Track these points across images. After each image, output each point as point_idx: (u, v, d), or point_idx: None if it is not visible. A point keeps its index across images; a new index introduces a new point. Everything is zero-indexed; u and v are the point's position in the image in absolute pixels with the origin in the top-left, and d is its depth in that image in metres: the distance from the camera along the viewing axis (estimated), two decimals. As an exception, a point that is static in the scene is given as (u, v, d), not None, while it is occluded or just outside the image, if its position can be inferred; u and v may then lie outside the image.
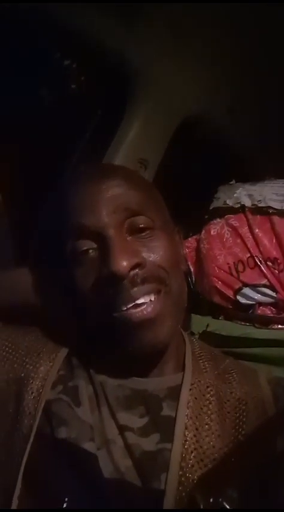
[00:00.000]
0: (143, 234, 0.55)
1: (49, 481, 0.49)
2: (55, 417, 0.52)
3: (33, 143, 1.21)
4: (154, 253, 0.54)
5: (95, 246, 0.54)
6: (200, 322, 0.84)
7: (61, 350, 0.60)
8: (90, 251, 0.54)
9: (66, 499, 0.47)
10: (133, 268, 0.52)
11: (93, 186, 0.56)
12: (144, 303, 0.52)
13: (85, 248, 0.54)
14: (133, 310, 0.52)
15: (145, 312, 0.52)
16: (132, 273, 0.52)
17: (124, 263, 0.51)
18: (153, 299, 0.53)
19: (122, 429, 0.52)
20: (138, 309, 0.52)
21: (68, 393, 0.55)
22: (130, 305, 0.52)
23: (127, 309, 0.52)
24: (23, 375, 0.57)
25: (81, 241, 0.54)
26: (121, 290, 0.52)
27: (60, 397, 0.54)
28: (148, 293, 0.53)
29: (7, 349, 0.60)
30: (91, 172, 0.60)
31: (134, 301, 0.52)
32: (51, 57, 1.23)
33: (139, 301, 0.52)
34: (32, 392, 0.54)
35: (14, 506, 0.48)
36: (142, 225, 0.55)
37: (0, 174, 1.02)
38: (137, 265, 0.52)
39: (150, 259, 0.54)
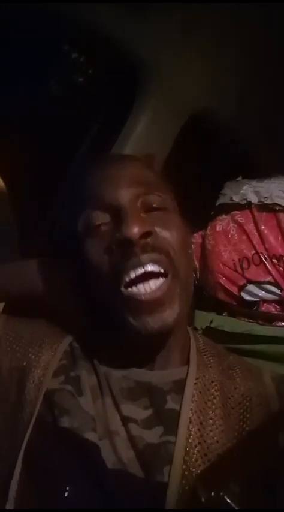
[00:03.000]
0: (155, 212, 0.56)
1: (50, 469, 0.50)
2: (57, 406, 0.52)
3: (40, 135, 1.21)
4: (165, 229, 0.55)
5: (109, 219, 0.55)
6: (204, 318, 0.84)
7: (64, 340, 0.60)
8: (104, 225, 0.55)
9: (67, 489, 0.47)
10: (144, 236, 0.53)
11: (110, 164, 0.59)
12: (152, 271, 0.52)
13: (99, 222, 0.55)
14: (142, 290, 0.52)
15: (153, 292, 0.52)
16: (142, 240, 0.53)
17: (136, 229, 0.52)
18: (161, 271, 0.53)
19: (126, 420, 0.52)
20: (147, 289, 0.52)
21: (70, 383, 0.55)
22: (140, 271, 0.52)
23: (137, 278, 0.52)
24: (25, 363, 0.57)
25: (96, 213, 0.56)
26: (131, 255, 0.52)
27: (63, 387, 0.55)
28: (156, 262, 0.53)
29: (10, 338, 0.60)
30: (108, 155, 0.62)
31: (143, 266, 0.52)
32: (59, 49, 1.23)
33: (147, 268, 0.52)
34: (33, 381, 0.55)
35: (12, 491, 0.48)
36: (157, 204, 0.57)
37: (7, 166, 1.03)
38: (148, 234, 0.53)
39: (161, 234, 0.55)
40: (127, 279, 0.52)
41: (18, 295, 0.64)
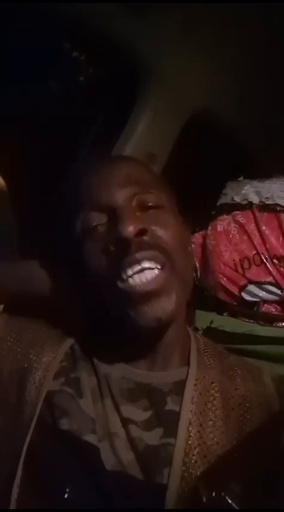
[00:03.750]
0: (151, 211, 0.57)
1: (50, 471, 0.50)
2: (57, 408, 0.52)
3: (40, 135, 1.21)
4: (160, 227, 0.55)
5: (105, 220, 0.56)
6: (204, 318, 0.84)
7: (65, 342, 0.60)
8: (100, 226, 0.56)
9: (67, 490, 0.47)
10: (139, 233, 0.53)
11: (106, 166, 0.60)
12: (149, 268, 0.53)
13: (96, 223, 0.56)
14: (138, 281, 0.52)
15: (149, 283, 0.52)
16: (138, 238, 0.53)
17: (132, 227, 0.52)
18: (158, 267, 0.53)
19: (125, 422, 0.52)
20: (143, 279, 0.52)
21: (70, 385, 0.55)
22: (136, 268, 0.52)
23: (133, 274, 0.52)
24: (26, 365, 0.57)
25: (92, 214, 0.56)
26: (127, 253, 0.53)
27: (63, 389, 0.55)
28: (152, 258, 0.53)
29: (12, 339, 0.60)
30: (104, 156, 0.63)
31: (139, 264, 0.53)
32: (59, 48, 1.22)
33: (144, 265, 0.53)
34: (34, 383, 0.55)
35: (14, 494, 0.48)
36: (152, 203, 0.57)
37: (7, 165, 1.02)
38: (143, 232, 0.54)
39: (157, 232, 0.55)
40: (124, 276, 0.53)
41: (18, 296, 0.64)
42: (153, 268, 0.53)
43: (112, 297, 0.54)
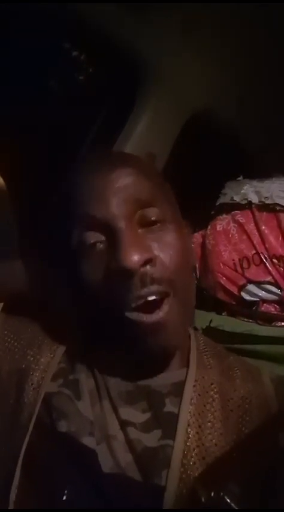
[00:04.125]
0: (154, 227, 0.53)
1: (48, 473, 0.50)
2: (55, 410, 0.52)
3: (40, 134, 1.21)
4: (165, 248, 0.52)
5: (103, 238, 0.52)
6: (204, 318, 0.84)
7: (63, 343, 0.60)
8: (98, 244, 0.52)
9: (66, 491, 0.47)
10: (144, 264, 0.50)
11: (102, 175, 0.53)
12: (155, 300, 0.51)
13: (93, 241, 0.52)
14: (144, 314, 0.50)
15: (156, 315, 0.50)
16: (142, 269, 0.50)
17: (135, 258, 0.48)
18: (163, 298, 0.51)
19: (124, 424, 0.52)
20: (149, 312, 0.50)
21: (69, 386, 0.55)
22: (141, 302, 0.50)
23: (138, 306, 0.50)
24: (23, 366, 0.57)
25: (89, 233, 0.52)
26: (130, 288, 0.50)
27: (61, 390, 0.54)
28: (157, 293, 0.51)
29: (9, 339, 0.60)
30: (100, 161, 0.57)
31: (144, 299, 0.50)
32: (59, 48, 1.22)
33: (150, 299, 0.50)
34: (32, 384, 0.55)
35: (12, 496, 0.48)
36: (154, 218, 0.53)
37: (7, 165, 1.02)
38: (148, 261, 0.50)
39: (161, 256, 0.52)
40: (128, 308, 0.50)
41: (16, 296, 0.64)
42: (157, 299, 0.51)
43: (113, 323, 0.52)
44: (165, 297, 0.51)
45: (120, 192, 0.52)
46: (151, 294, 0.50)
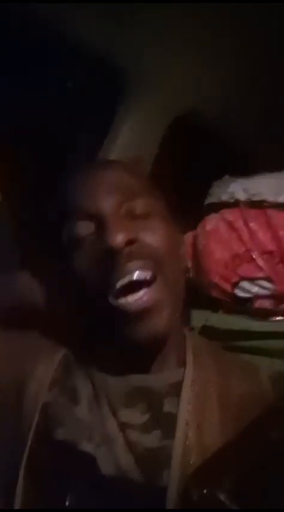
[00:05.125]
0: (141, 218, 0.55)
1: (50, 482, 0.50)
2: (52, 419, 0.53)
3: (27, 139, 1.21)
4: (150, 234, 0.54)
5: (93, 230, 0.54)
6: (199, 317, 0.84)
7: (58, 351, 0.60)
8: (88, 236, 0.54)
9: (68, 497, 0.48)
10: (128, 243, 0.51)
11: (92, 173, 0.58)
12: (140, 280, 0.52)
13: (83, 233, 0.54)
14: (130, 299, 0.51)
15: (142, 301, 0.51)
16: (127, 248, 0.51)
17: (120, 236, 0.51)
18: (149, 278, 0.52)
19: (123, 426, 0.52)
20: (135, 297, 0.51)
21: (65, 393, 0.55)
22: (126, 280, 0.51)
23: (124, 287, 0.51)
24: (21, 377, 0.57)
25: (78, 224, 0.55)
26: (116, 264, 0.51)
27: (57, 399, 0.55)
28: (143, 267, 0.52)
29: (6, 352, 0.60)
30: (90, 165, 0.62)
31: (130, 274, 0.51)
32: (43, 55, 1.22)
33: (134, 276, 0.52)
34: (30, 395, 0.55)
35: (17, 505, 0.49)
36: (141, 210, 0.55)
37: (3, 173, 1.02)
38: (132, 241, 0.52)
39: (146, 240, 0.54)
40: (114, 290, 0.52)
41: (11, 307, 0.64)
42: (143, 281, 0.52)
43: (102, 311, 0.53)
44: (152, 281, 0.52)
45: (107, 186, 0.56)
46: (136, 268, 0.52)
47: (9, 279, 0.66)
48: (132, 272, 0.52)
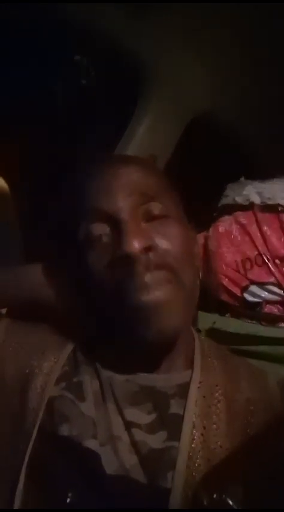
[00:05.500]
0: (157, 220, 0.55)
1: (52, 477, 0.49)
2: (57, 414, 0.52)
3: (42, 138, 1.21)
4: (167, 240, 0.54)
5: (109, 230, 0.54)
6: (207, 319, 0.84)
7: (66, 346, 0.60)
8: (104, 236, 0.54)
9: (70, 495, 0.47)
10: (145, 250, 0.51)
11: (109, 171, 0.56)
12: (155, 289, 0.51)
13: (99, 233, 0.54)
14: (146, 297, 0.51)
15: (155, 297, 0.51)
16: (144, 256, 0.51)
17: (137, 244, 0.50)
18: (162, 288, 0.52)
19: (129, 425, 0.52)
20: (151, 296, 0.51)
21: (72, 389, 0.55)
22: (144, 292, 0.51)
23: (140, 294, 0.51)
24: (27, 371, 0.57)
25: (95, 225, 0.54)
26: (133, 274, 0.51)
27: (64, 394, 0.54)
28: (160, 281, 0.52)
29: (14, 344, 0.60)
30: (107, 160, 0.60)
31: (147, 288, 0.51)
32: (61, 52, 1.23)
33: (151, 288, 0.51)
34: (36, 389, 0.55)
35: (17, 500, 0.48)
36: (158, 213, 0.55)
37: (11, 167, 1.03)
38: (149, 248, 0.52)
39: (163, 246, 0.53)
40: (131, 300, 0.51)
41: (20, 301, 0.64)
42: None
43: (118, 313, 0.53)
44: (167, 283, 0.52)
45: (125, 185, 0.55)
46: (153, 282, 0.51)
47: (19, 272, 0.66)
48: (150, 285, 0.51)
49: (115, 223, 0.53)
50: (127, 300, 0.51)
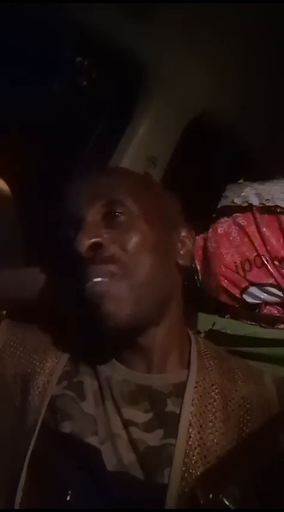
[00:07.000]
0: (118, 220, 0.57)
1: (53, 474, 0.51)
2: (59, 412, 0.53)
3: (43, 139, 1.22)
4: (121, 236, 0.56)
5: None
6: (206, 321, 0.84)
7: (67, 347, 0.61)
8: (73, 239, 0.56)
9: (70, 492, 0.48)
10: (93, 247, 0.54)
11: (82, 182, 0.62)
12: (101, 281, 0.54)
13: (71, 236, 0.56)
14: (96, 288, 0.54)
15: (99, 287, 0.53)
16: (92, 252, 0.54)
17: (84, 242, 0.54)
18: (108, 279, 0.54)
19: (127, 424, 0.53)
20: (97, 285, 0.54)
21: (73, 388, 0.56)
22: (89, 283, 0.54)
23: (88, 286, 0.54)
24: (29, 370, 0.58)
25: (69, 228, 0.58)
26: (83, 268, 0.54)
27: (65, 392, 0.56)
28: (104, 273, 0.54)
29: (15, 345, 0.61)
30: (88, 171, 0.65)
31: (92, 279, 0.54)
32: (62, 53, 1.23)
33: (96, 280, 0.54)
34: (38, 388, 0.56)
35: (18, 498, 0.49)
36: (119, 211, 0.57)
37: (10, 169, 1.03)
38: (97, 245, 0.54)
39: (115, 242, 0.55)
40: (82, 291, 0.54)
41: (21, 303, 0.65)
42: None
43: (81, 303, 0.55)
44: (111, 276, 0.54)
45: (92, 192, 0.59)
46: (97, 274, 0.54)
47: (20, 274, 0.68)
48: (94, 277, 0.54)
49: (79, 227, 0.56)
50: (79, 292, 0.54)
